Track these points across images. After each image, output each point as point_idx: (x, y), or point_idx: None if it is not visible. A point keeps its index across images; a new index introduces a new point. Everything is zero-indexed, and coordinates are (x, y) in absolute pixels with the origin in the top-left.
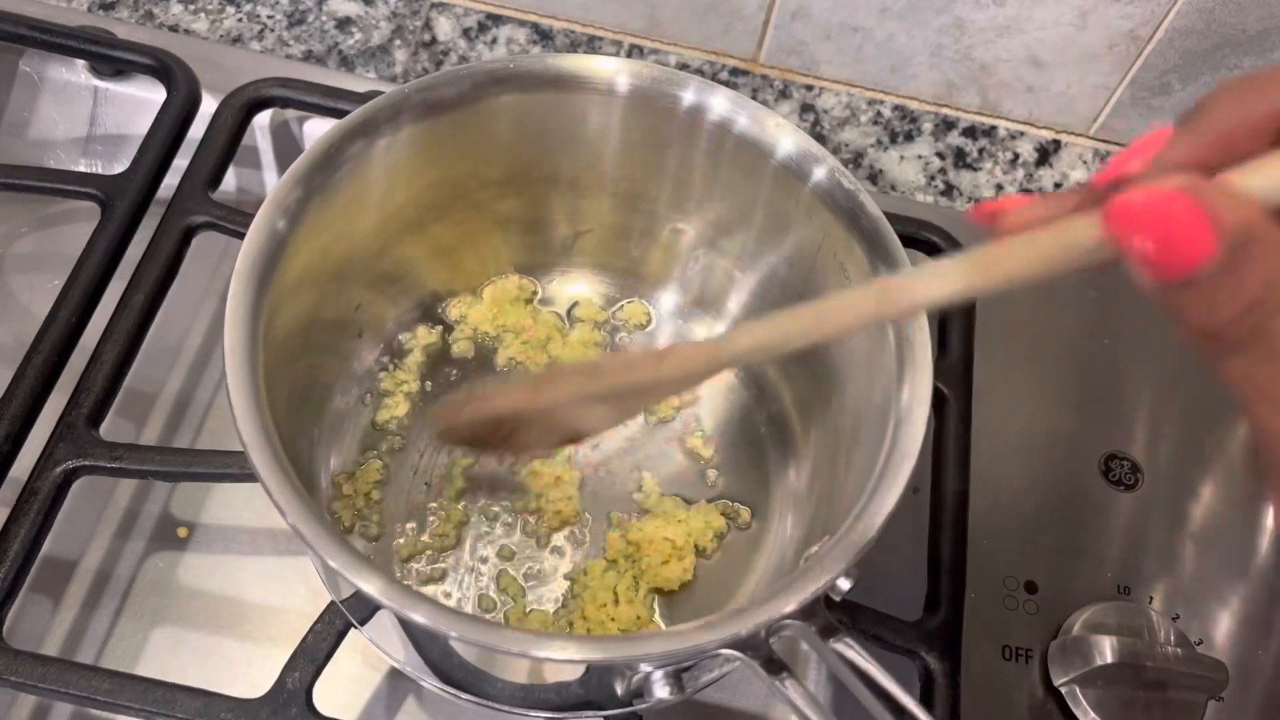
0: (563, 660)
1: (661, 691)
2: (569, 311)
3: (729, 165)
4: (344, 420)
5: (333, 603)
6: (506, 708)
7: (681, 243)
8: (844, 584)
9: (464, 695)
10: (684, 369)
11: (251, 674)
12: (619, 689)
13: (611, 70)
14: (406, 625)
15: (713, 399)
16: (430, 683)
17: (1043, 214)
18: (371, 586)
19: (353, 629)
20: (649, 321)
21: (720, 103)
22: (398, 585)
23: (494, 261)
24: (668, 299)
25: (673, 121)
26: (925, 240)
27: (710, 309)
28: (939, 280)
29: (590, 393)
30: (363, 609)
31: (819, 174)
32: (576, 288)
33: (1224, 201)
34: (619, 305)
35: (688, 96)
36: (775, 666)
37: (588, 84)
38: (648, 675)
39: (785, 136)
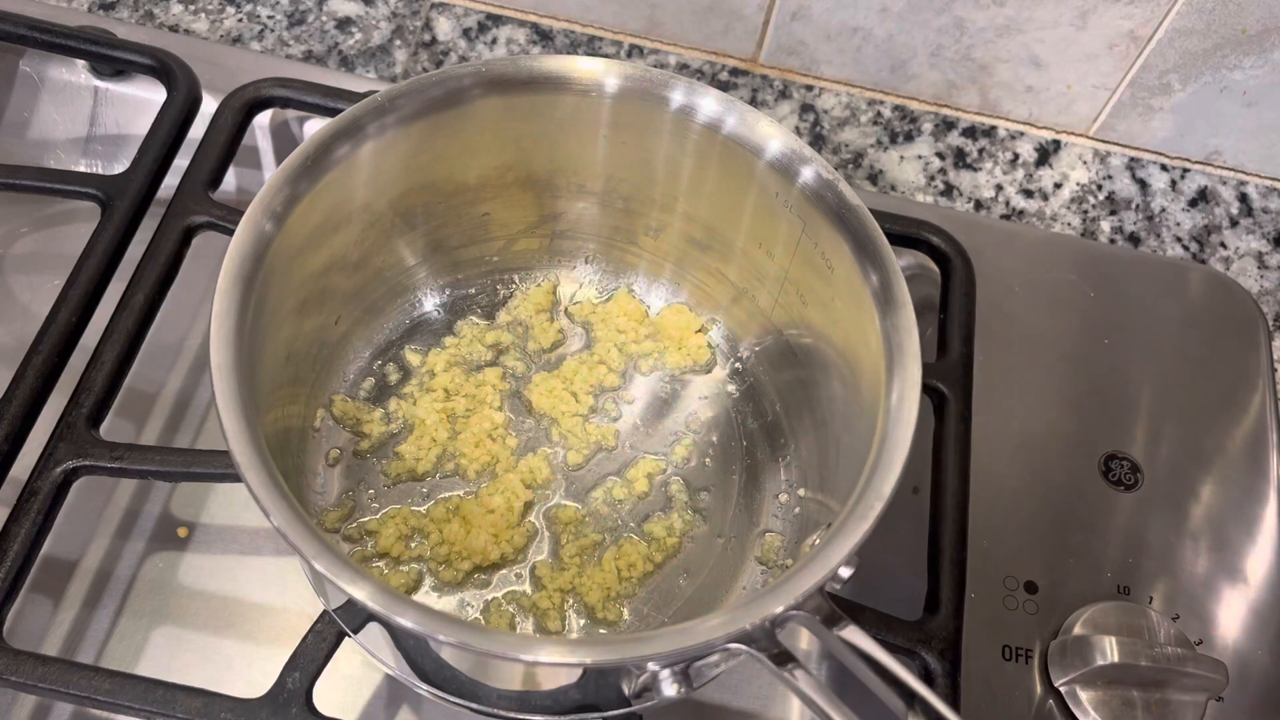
0: (564, 664)
1: (669, 689)
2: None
3: (717, 166)
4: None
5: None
6: (504, 713)
7: (669, 243)
8: (845, 572)
9: (459, 702)
10: None
11: (252, 674)
12: (626, 688)
13: (594, 71)
14: (395, 634)
15: (700, 399)
16: (426, 690)
17: None
18: (361, 592)
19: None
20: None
21: (708, 103)
22: (386, 589)
23: (477, 266)
24: (656, 298)
25: (660, 122)
26: (925, 241)
27: (699, 308)
28: None
29: None
30: (355, 617)
31: (807, 174)
32: (562, 288)
33: None
34: (608, 297)
35: (675, 98)
36: (783, 658)
37: (569, 85)
38: (655, 674)
39: (774, 137)
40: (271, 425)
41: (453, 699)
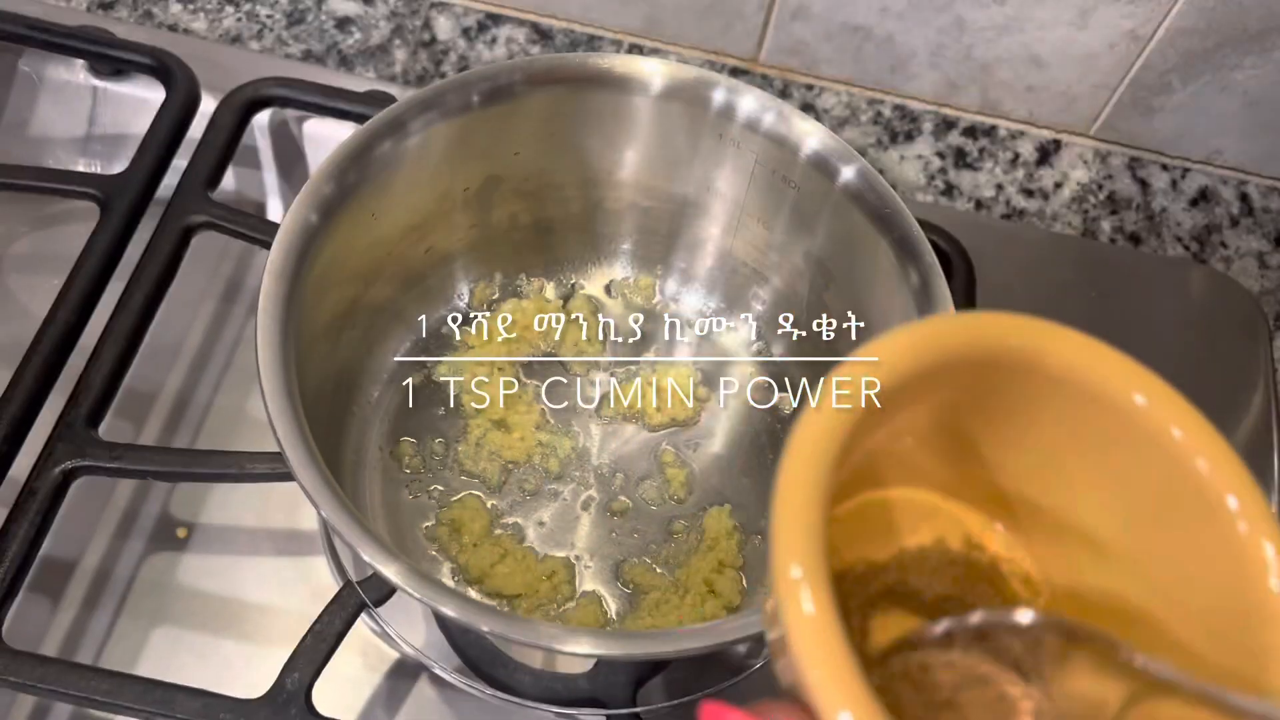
0: (610, 655)
1: None
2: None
3: (759, 165)
4: (373, 412)
5: (332, 602)
6: (516, 699)
7: (707, 243)
8: None
9: (477, 685)
10: None
11: (251, 674)
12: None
13: (647, 72)
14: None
15: (720, 413)
16: (442, 669)
17: None
18: (414, 587)
19: (358, 621)
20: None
21: (749, 103)
22: (433, 581)
23: (517, 261)
24: (693, 299)
25: (703, 122)
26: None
27: (735, 308)
28: None
29: None
30: (379, 590)
31: (848, 173)
32: (599, 287)
33: None
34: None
35: (718, 97)
36: None
37: (623, 84)
38: None
39: (813, 136)
40: (313, 409)
41: (473, 682)
